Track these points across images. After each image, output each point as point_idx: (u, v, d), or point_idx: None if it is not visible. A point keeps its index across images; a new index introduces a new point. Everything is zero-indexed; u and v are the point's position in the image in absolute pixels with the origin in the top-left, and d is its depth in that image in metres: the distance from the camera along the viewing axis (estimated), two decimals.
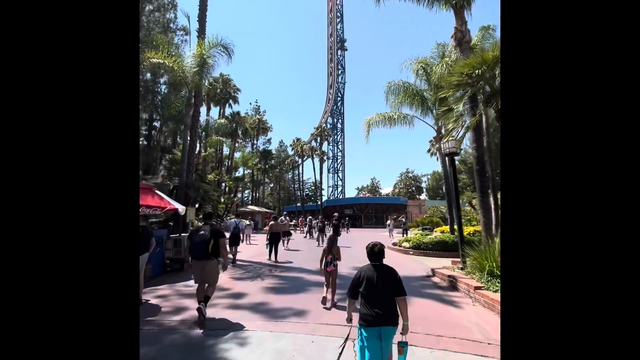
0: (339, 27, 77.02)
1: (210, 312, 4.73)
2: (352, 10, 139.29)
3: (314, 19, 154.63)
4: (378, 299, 2.45)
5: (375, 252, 2.72)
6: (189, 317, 4.61)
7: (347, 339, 2.84)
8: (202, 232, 4.60)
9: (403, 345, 2.40)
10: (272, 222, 10.71)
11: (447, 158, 8.83)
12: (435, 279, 7.29)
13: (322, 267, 5.25)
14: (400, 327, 2.47)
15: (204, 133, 23.65)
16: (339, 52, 76.96)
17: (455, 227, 13.70)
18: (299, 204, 54.19)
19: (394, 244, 13.52)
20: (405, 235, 18.73)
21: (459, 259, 8.73)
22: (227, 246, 7.37)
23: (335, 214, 14.66)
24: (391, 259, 10.97)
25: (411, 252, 11.77)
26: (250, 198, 49.10)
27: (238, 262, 9.74)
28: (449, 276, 6.59)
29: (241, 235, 11.49)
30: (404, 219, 22.16)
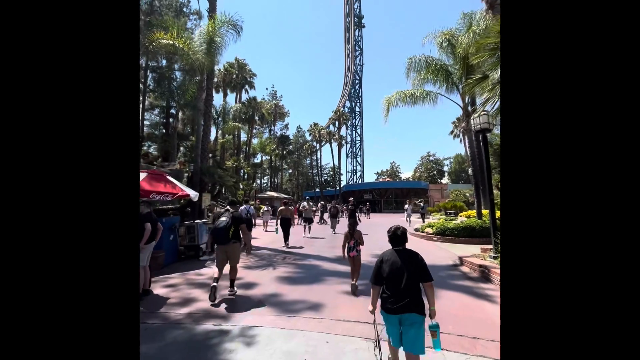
0: (356, 5, 74.14)
1: (220, 303, 4.44)
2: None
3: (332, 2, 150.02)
4: (401, 285, 2.33)
5: (399, 235, 2.60)
6: (196, 309, 4.29)
7: (377, 341, 2.72)
8: (223, 217, 4.94)
9: (435, 329, 2.25)
10: (281, 207, 10.63)
11: (478, 136, 7.96)
12: (464, 269, 6.66)
13: (345, 253, 5.05)
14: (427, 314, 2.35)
15: (220, 119, 23.44)
16: (357, 32, 74.38)
17: (484, 211, 12.88)
18: (317, 190, 54.03)
19: (417, 230, 12.85)
20: (423, 221, 17.83)
21: (488, 246, 8.02)
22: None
23: (351, 198, 13.57)
24: (413, 245, 10.26)
25: (435, 239, 11.09)
26: (269, 184, 49.20)
27: (253, 250, 9.48)
28: (480, 266, 5.95)
29: (254, 220, 11.32)
30: (422, 203, 20.28)
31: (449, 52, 12.37)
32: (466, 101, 12.19)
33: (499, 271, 5.30)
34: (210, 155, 18.62)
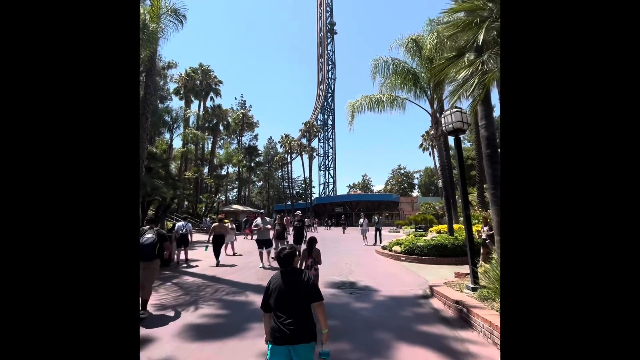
0: (328, 21, 74.90)
1: None
2: (343, 2, 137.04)
3: (303, 14, 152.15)
4: (288, 311, 2.08)
5: (282, 257, 2.27)
6: None
7: None
8: (148, 234, 4.93)
9: (325, 357, 2.10)
10: (214, 224, 9.66)
11: (447, 145, 6.77)
12: (436, 303, 5.24)
13: None
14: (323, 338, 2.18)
15: (175, 125, 21.30)
16: (329, 47, 74.89)
17: (455, 226, 11.81)
18: (289, 203, 52.13)
19: (384, 248, 11.48)
20: (378, 239, 15.17)
21: (463, 269, 6.73)
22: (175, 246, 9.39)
23: (298, 212, 10.60)
24: (379, 267, 8.88)
25: (403, 258, 9.75)
26: (237, 196, 46.65)
27: (183, 280, 7.60)
28: (457, 302, 4.55)
29: (190, 237, 9.87)
30: (377, 217, 16.66)
31: (416, 55, 11.45)
32: (435, 107, 11.23)
33: (481, 313, 3.91)
34: (160, 164, 16.47)
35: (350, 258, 10.75)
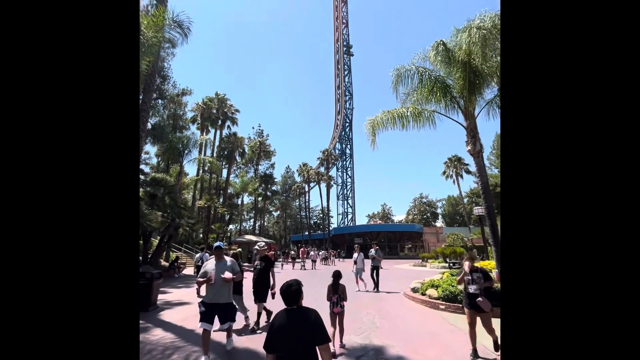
0: (345, 56, 76.66)
1: None
2: (360, 38, 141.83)
3: (322, 48, 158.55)
4: (292, 353, 1.98)
5: (289, 293, 2.17)
6: None
7: None
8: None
9: None
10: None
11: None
12: None
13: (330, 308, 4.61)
14: None
15: (184, 151, 20.46)
16: (346, 79, 75.97)
17: (485, 263, 9.45)
18: (306, 233, 49.96)
19: (415, 290, 9.21)
20: (375, 275, 10.76)
21: None
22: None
23: (260, 243, 6.47)
24: (412, 320, 6.44)
25: (442, 307, 7.51)
26: (252, 226, 45.13)
27: (154, 332, 5.76)
28: None
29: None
30: (374, 250, 11.08)
31: (445, 61, 9.88)
32: (471, 118, 9.40)
33: None
34: (166, 191, 15.30)
35: (372, 304, 8.56)
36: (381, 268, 11.64)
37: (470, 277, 4.56)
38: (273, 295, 5.89)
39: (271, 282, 5.93)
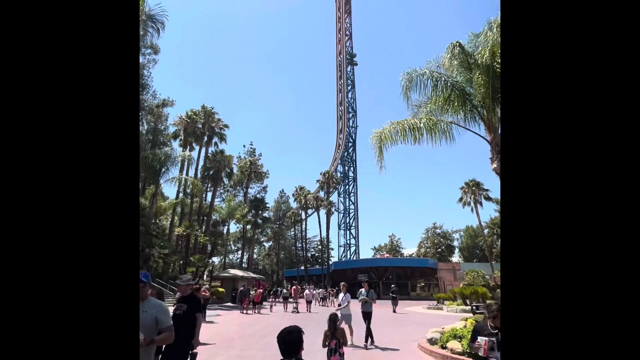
0: (349, 70, 78.42)
1: None
2: (364, 51, 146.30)
3: (324, 62, 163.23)
4: None
5: (286, 342, 2.01)
6: None
7: None
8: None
9: None
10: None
11: None
12: None
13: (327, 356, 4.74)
14: None
15: (160, 169, 19.91)
16: (350, 94, 77.15)
17: None
18: (302, 267, 48.48)
19: (433, 342, 8.26)
20: (368, 332, 8.83)
21: None
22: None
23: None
24: None
25: None
26: (240, 259, 43.77)
27: None
28: None
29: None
30: (364, 289, 9.60)
31: (464, 65, 9.57)
32: (496, 126, 8.91)
33: None
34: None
35: (379, 358, 7.62)
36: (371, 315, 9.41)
37: (493, 341, 3.24)
38: (193, 357, 4.24)
39: (195, 336, 4.26)
